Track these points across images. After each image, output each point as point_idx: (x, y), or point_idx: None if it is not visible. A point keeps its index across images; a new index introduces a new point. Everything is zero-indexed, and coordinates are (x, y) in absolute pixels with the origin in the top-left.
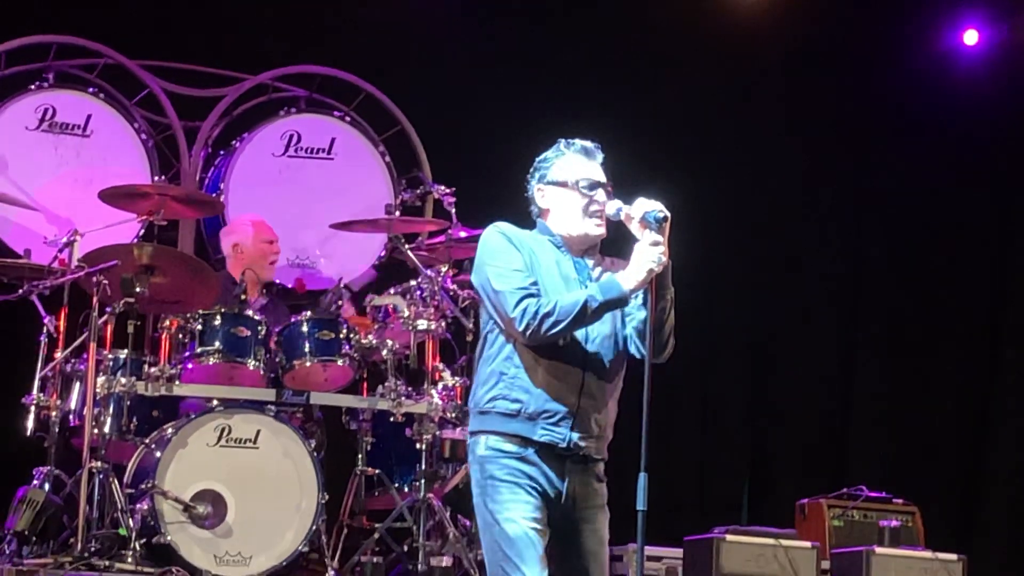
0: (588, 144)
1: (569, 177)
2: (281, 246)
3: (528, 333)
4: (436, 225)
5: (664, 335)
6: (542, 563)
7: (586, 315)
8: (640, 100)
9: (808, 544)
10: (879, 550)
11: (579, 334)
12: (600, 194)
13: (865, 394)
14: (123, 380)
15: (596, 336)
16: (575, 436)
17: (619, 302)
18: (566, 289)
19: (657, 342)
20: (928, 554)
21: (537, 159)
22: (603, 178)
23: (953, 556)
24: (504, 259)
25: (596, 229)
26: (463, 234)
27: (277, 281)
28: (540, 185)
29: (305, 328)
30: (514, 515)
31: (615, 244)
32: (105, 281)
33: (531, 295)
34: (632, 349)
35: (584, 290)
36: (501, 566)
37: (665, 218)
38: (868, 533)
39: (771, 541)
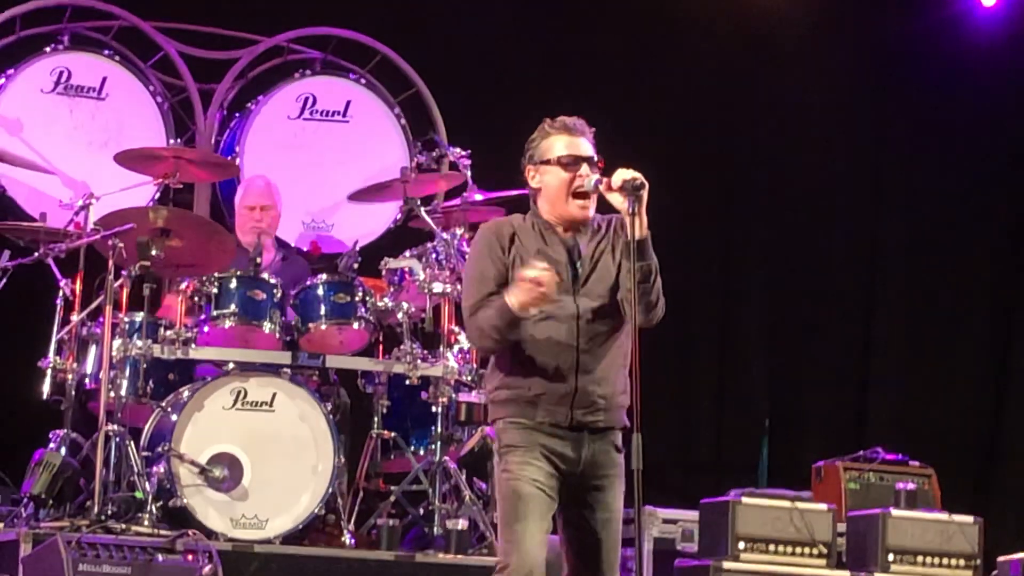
0: (569, 121)
1: (552, 155)
2: (296, 209)
3: (474, 345)
4: (449, 182)
5: (650, 299)
6: (543, 520)
7: (500, 334)
8: (661, 60)
9: (824, 506)
10: (895, 512)
11: (569, 311)
12: (584, 168)
13: (882, 357)
14: (139, 343)
15: (586, 311)
16: (578, 413)
17: (514, 321)
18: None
19: (644, 307)
20: (944, 516)
21: (527, 142)
22: (588, 152)
23: (969, 518)
24: (477, 266)
25: (580, 212)
26: (479, 197)
27: (293, 244)
28: (530, 166)
29: (321, 291)
30: (523, 475)
31: None
32: (121, 244)
33: (482, 309)
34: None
35: (501, 298)
36: (507, 520)
37: (642, 184)
38: (884, 495)
39: (787, 504)
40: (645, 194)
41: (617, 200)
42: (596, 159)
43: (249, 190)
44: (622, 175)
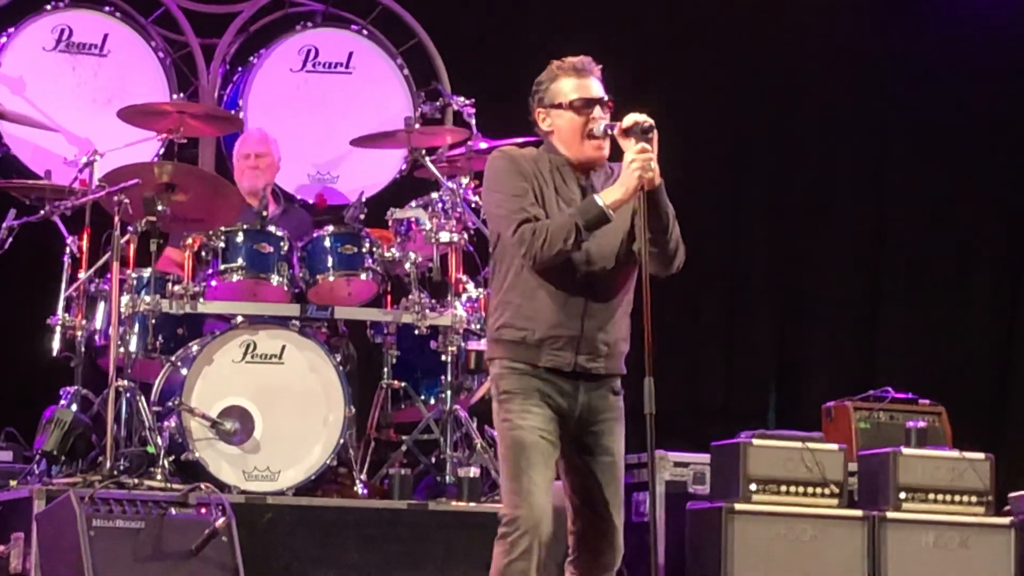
0: (578, 62)
1: (564, 98)
2: (301, 161)
3: (528, 258)
4: (455, 136)
5: (670, 249)
6: (547, 468)
7: (575, 237)
8: (667, 9)
9: (835, 446)
10: (906, 451)
11: (579, 256)
12: (597, 110)
13: (891, 296)
14: (147, 299)
15: (597, 256)
16: (582, 359)
17: (600, 220)
18: None
19: (663, 256)
20: (955, 454)
21: (535, 83)
22: (599, 93)
23: (981, 455)
24: (506, 184)
25: (595, 152)
26: (483, 145)
27: (298, 196)
28: (539, 109)
29: (328, 243)
30: (525, 424)
31: None
32: (126, 200)
33: (528, 220)
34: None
35: (571, 213)
36: (512, 472)
37: (651, 127)
38: (895, 434)
39: (798, 444)
40: (655, 137)
41: (628, 145)
42: (607, 99)
43: (245, 139)
44: (631, 118)
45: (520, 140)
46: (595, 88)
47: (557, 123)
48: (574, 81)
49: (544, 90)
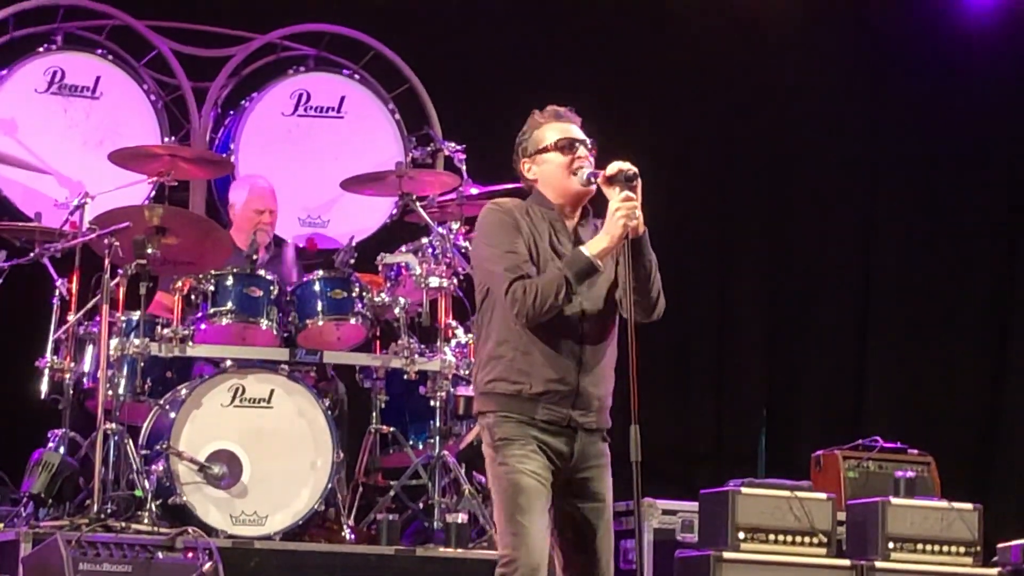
0: (559, 108)
1: (548, 141)
2: (292, 205)
3: (520, 316)
4: (444, 185)
5: (652, 297)
6: (544, 512)
7: (565, 291)
8: (654, 51)
9: (824, 495)
10: (895, 501)
11: (574, 308)
12: (581, 150)
13: (879, 345)
14: (136, 342)
15: (591, 308)
16: (576, 414)
17: (588, 271)
18: None
19: (644, 303)
20: (944, 504)
21: (517, 137)
22: (581, 136)
23: (969, 505)
24: (500, 240)
25: (582, 188)
26: (474, 191)
27: (290, 240)
28: (524, 159)
29: (317, 287)
30: (523, 468)
31: None
32: (117, 243)
33: (521, 278)
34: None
35: (559, 267)
36: (510, 514)
37: (635, 175)
38: (883, 484)
39: (787, 493)
40: (639, 185)
41: (612, 193)
42: (590, 143)
43: (256, 193)
44: (615, 166)
45: (511, 186)
46: (577, 131)
47: (543, 169)
48: (556, 125)
49: (527, 139)
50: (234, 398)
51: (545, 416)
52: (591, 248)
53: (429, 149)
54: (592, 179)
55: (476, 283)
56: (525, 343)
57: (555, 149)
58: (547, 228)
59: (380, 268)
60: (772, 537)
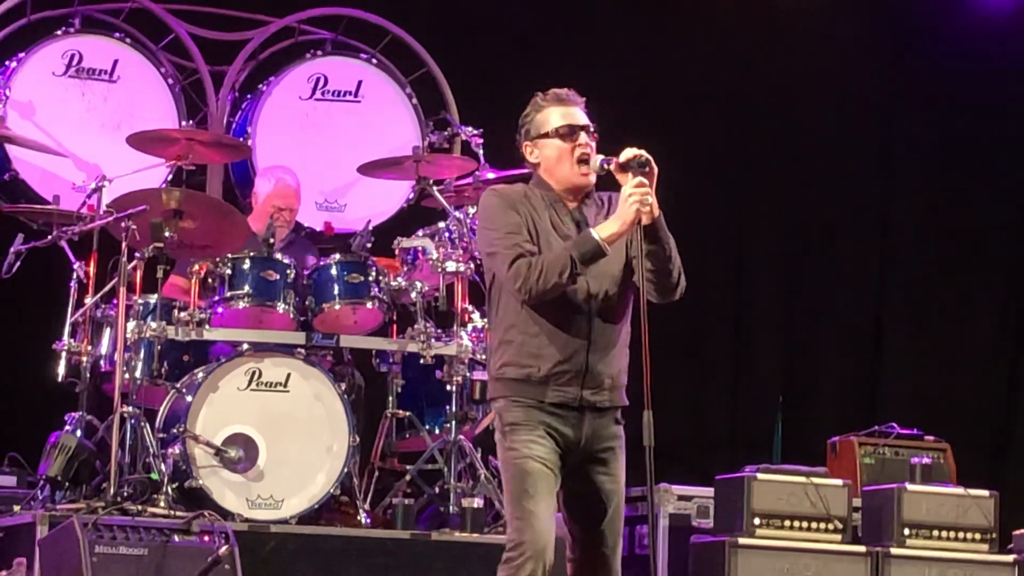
0: (562, 92)
1: (549, 127)
2: (309, 190)
3: (523, 292)
4: (461, 169)
5: (672, 278)
6: (551, 496)
7: (570, 271)
8: (673, 38)
9: (839, 482)
10: (910, 487)
11: (582, 289)
12: (582, 136)
13: (896, 331)
14: (153, 325)
15: (596, 289)
16: (587, 393)
17: (596, 254)
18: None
19: (666, 283)
20: (959, 491)
21: (520, 117)
22: (584, 121)
23: (985, 492)
24: (499, 221)
25: (581, 179)
26: (491, 175)
27: (306, 224)
28: (526, 142)
29: (334, 271)
30: (530, 452)
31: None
32: (134, 226)
33: (523, 255)
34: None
35: (566, 247)
36: (517, 498)
37: (647, 161)
38: (899, 470)
39: (802, 479)
40: (654, 171)
41: (625, 179)
42: (592, 128)
43: (280, 190)
44: (628, 152)
45: (527, 171)
46: (579, 116)
47: (544, 153)
48: (558, 110)
49: (530, 122)
50: (251, 382)
51: (555, 398)
52: (601, 231)
53: (446, 133)
54: (605, 165)
55: (484, 270)
56: (532, 326)
57: (556, 136)
58: (547, 208)
59: (397, 252)
60: (787, 523)
